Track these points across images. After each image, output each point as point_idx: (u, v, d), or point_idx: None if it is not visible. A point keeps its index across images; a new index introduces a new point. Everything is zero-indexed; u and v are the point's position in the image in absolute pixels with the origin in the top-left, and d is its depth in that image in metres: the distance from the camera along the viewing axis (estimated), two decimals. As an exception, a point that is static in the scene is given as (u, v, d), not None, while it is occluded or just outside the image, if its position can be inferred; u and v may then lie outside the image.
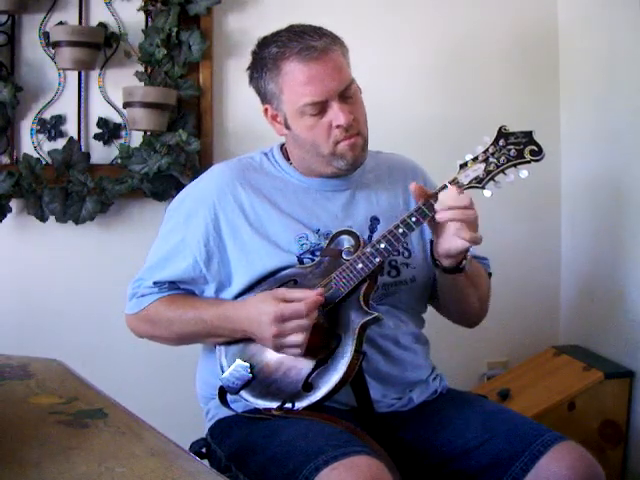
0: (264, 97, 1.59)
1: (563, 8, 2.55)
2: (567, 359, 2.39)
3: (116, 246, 2.25)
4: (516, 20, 2.53)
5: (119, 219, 2.25)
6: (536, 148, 1.43)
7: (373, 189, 1.64)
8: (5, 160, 2.15)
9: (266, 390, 1.47)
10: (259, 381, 1.48)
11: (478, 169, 1.44)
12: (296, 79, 1.50)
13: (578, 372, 2.29)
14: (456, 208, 1.40)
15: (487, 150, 1.44)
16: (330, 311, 1.45)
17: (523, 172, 1.43)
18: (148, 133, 2.20)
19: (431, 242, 1.51)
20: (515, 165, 1.43)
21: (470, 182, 1.44)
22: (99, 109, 2.22)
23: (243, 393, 1.49)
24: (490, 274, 1.69)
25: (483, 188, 1.44)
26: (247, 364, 1.49)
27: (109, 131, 2.23)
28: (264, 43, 1.56)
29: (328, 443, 1.30)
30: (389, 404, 1.55)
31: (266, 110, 1.60)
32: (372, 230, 1.59)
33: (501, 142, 1.44)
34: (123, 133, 2.24)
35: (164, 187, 2.20)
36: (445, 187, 1.44)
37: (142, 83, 2.19)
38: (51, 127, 2.18)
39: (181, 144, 2.17)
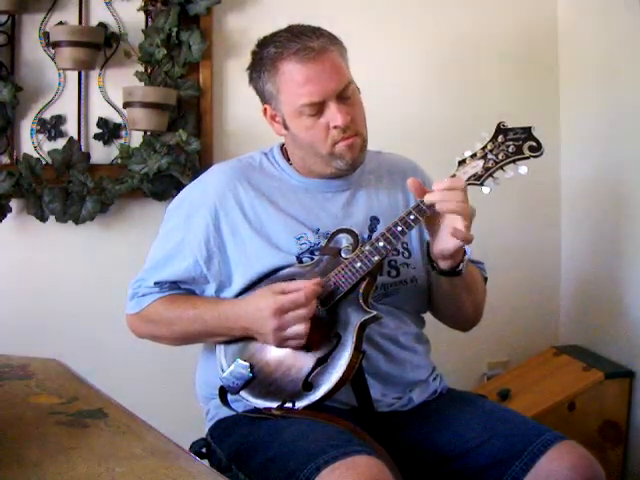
0: (263, 97, 1.59)
1: (563, 8, 2.55)
2: (567, 359, 2.39)
3: (116, 246, 2.25)
4: (516, 20, 2.53)
5: (119, 219, 2.25)
6: (535, 144, 1.42)
7: (373, 189, 1.64)
8: (5, 160, 2.15)
9: (266, 390, 1.47)
10: (259, 381, 1.48)
11: (476, 166, 1.43)
12: (293, 80, 1.50)
13: (578, 372, 2.29)
14: (455, 201, 1.39)
15: (485, 147, 1.44)
16: (329, 310, 1.45)
17: (522, 168, 1.43)
18: (148, 133, 2.19)
19: (428, 244, 1.50)
20: (514, 161, 1.42)
21: (468, 179, 1.43)
22: (99, 109, 2.22)
23: (243, 393, 1.49)
24: (486, 278, 1.69)
25: (482, 185, 1.43)
26: (247, 363, 1.49)
27: (109, 131, 2.23)
28: (263, 43, 1.56)
29: (329, 443, 1.30)
30: (389, 404, 1.55)
31: (265, 110, 1.60)
32: (372, 230, 1.59)
33: (500, 138, 1.43)
34: (123, 133, 2.24)
35: (164, 187, 2.20)
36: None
37: (142, 83, 2.19)
38: (51, 127, 2.18)
39: (181, 144, 2.17)
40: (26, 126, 2.17)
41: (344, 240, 1.50)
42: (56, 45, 2.10)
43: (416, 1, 2.45)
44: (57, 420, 1.13)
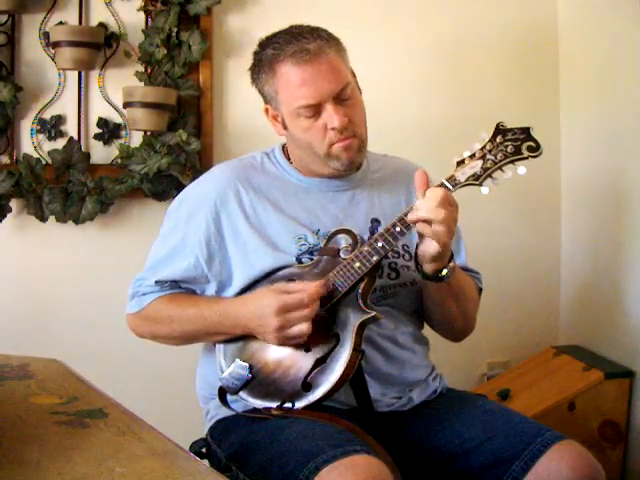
0: (264, 97, 1.60)
1: (563, 8, 2.55)
2: (567, 359, 2.39)
3: (116, 246, 2.25)
4: (516, 20, 2.53)
5: (119, 219, 2.25)
6: (534, 144, 1.41)
7: (375, 191, 1.64)
8: (5, 160, 2.15)
9: (265, 390, 1.47)
10: (258, 381, 1.48)
11: (475, 166, 1.43)
12: (290, 82, 1.50)
13: (578, 372, 2.29)
14: (427, 206, 1.38)
15: (484, 147, 1.43)
16: (328, 310, 1.45)
17: (521, 168, 1.42)
18: (148, 133, 2.20)
19: (416, 246, 1.50)
20: (513, 161, 1.42)
21: (467, 179, 1.43)
22: (99, 109, 2.22)
23: (242, 393, 1.49)
24: (481, 289, 1.68)
25: (480, 185, 1.42)
26: (246, 364, 1.49)
27: (109, 131, 2.23)
28: (263, 44, 1.57)
29: (328, 442, 1.30)
30: (389, 403, 1.55)
31: (267, 110, 1.61)
32: (372, 232, 1.58)
33: (498, 138, 1.43)
34: (123, 133, 2.24)
35: (164, 187, 2.20)
36: (441, 185, 1.43)
37: (142, 83, 2.19)
38: (51, 127, 2.18)
39: (181, 144, 2.17)
40: (26, 126, 2.17)
41: (343, 240, 1.50)
42: (56, 45, 2.10)
43: (415, 1, 2.45)
44: (57, 420, 1.13)
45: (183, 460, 1.02)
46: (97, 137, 2.22)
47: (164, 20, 2.18)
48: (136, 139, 2.23)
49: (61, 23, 2.16)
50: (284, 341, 1.43)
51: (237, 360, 1.50)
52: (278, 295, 1.42)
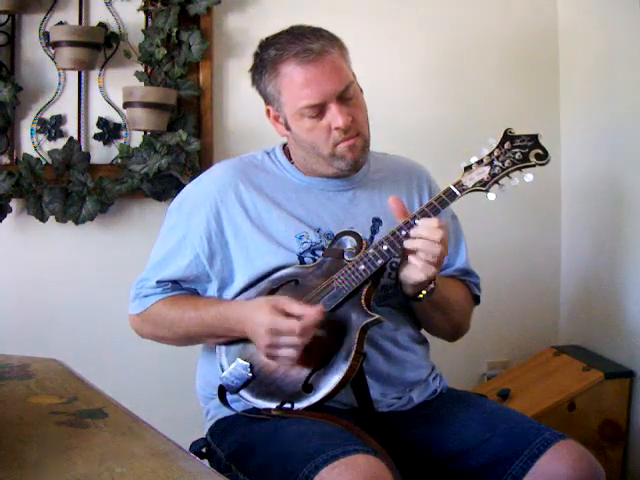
0: (265, 98, 1.59)
1: (563, 8, 2.55)
2: (567, 359, 2.39)
3: (116, 246, 2.25)
4: (516, 20, 2.53)
5: (119, 219, 2.25)
6: (541, 152, 1.42)
7: (376, 190, 1.64)
8: (5, 160, 2.15)
9: (266, 390, 1.47)
10: (259, 381, 1.48)
11: (483, 172, 1.43)
12: (293, 82, 1.50)
13: (578, 372, 2.29)
14: (428, 240, 1.39)
15: (492, 153, 1.43)
16: (331, 312, 1.45)
17: (528, 176, 1.43)
18: (148, 133, 2.20)
19: (399, 264, 1.49)
20: (520, 169, 1.42)
21: (474, 185, 1.43)
22: (99, 109, 2.23)
23: (243, 392, 1.49)
24: (477, 297, 1.68)
25: (487, 191, 1.43)
26: (247, 363, 1.49)
27: (109, 131, 2.23)
28: (264, 45, 1.56)
29: (328, 442, 1.30)
30: (389, 404, 1.55)
31: (268, 111, 1.60)
32: (374, 231, 1.59)
33: (506, 145, 1.43)
34: (123, 133, 2.24)
35: (164, 187, 2.20)
36: (448, 190, 1.43)
37: (142, 83, 2.19)
38: (51, 127, 2.18)
39: (181, 144, 2.17)
40: (26, 126, 2.18)
41: (348, 242, 1.50)
42: (56, 45, 2.10)
43: (416, 3, 2.45)
44: (57, 420, 1.13)
45: (183, 460, 1.02)
46: (97, 137, 2.22)
47: (164, 20, 2.18)
48: (136, 139, 2.23)
49: (61, 23, 2.16)
50: (272, 358, 1.44)
51: (238, 359, 1.50)
52: (273, 315, 1.41)
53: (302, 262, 1.53)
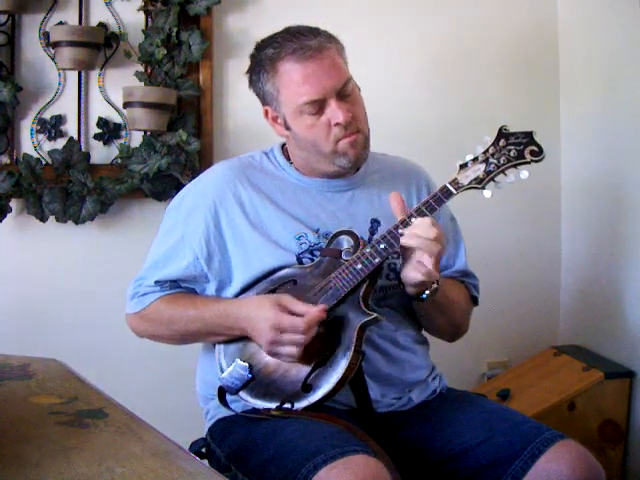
0: (264, 99, 1.59)
1: (563, 8, 2.55)
2: (567, 359, 2.39)
3: (116, 246, 2.25)
4: (516, 20, 2.53)
5: (119, 219, 2.25)
6: (536, 148, 1.42)
7: (375, 191, 1.64)
8: (5, 160, 2.15)
9: (265, 390, 1.47)
10: (258, 381, 1.48)
11: (478, 170, 1.44)
12: (293, 79, 1.50)
13: (578, 372, 2.29)
14: (423, 238, 1.39)
15: (487, 150, 1.44)
16: (329, 311, 1.45)
17: (524, 173, 1.43)
18: (148, 133, 2.20)
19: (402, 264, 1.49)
20: (515, 165, 1.43)
21: (470, 183, 1.44)
22: (99, 109, 2.22)
23: (242, 393, 1.49)
24: (476, 298, 1.68)
25: (483, 189, 1.44)
26: (246, 364, 1.49)
27: (109, 131, 2.23)
28: (261, 45, 1.56)
29: (327, 442, 1.30)
30: (389, 404, 1.55)
31: (266, 112, 1.60)
32: (372, 232, 1.58)
33: (501, 142, 1.43)
34: (123, 133, 2.24)
35: (164, 187, 2.20)
36: (444, 188, 1.44)
37: (142, 83, 2.19)
38: (51, 127, 2.18)
39: (181, 144, 2.17)
40: (26, 126, 2.17)
41: (345, 242, 1.50)
42: (56, 45, 2.10)
43: (416, 3, 2.45)
44: (57, 420, 1.13)
45: (183, 460, 1.02)
46: (97, 137, 2.22)
47: (164, 20, 2.18)
48: (136, 139, 2.23)
49: (61, 23, 2.16)
50: (274, 355, 1.44)
51: (237, 360, 1.50)
52: (278, 311, 1.42)
53: (300, 263, 1.53)
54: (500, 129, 1.44)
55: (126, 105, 2.17)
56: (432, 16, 2.46)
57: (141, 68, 2.21)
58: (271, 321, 1.41)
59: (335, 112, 1.50)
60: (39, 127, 2.18)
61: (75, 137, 2.19)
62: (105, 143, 2.23)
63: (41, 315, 2.20)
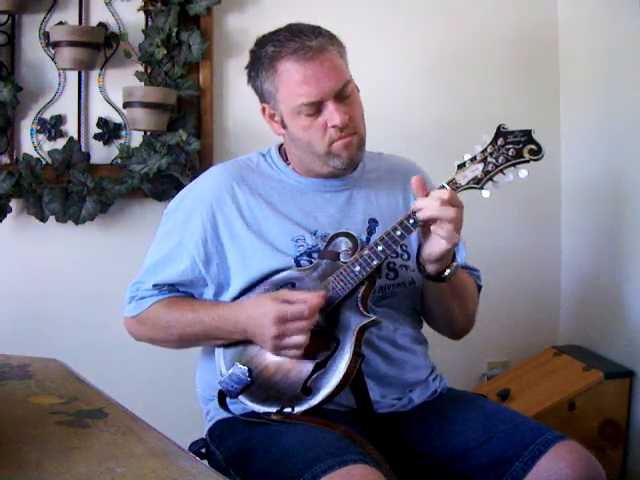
0: (261, 96, 1.58)
1: (563, 8, 2.55)
2: (567, 359, 2.39)
3: (116, 246, 2.25)
4: (516, 20, 2.53)
5: (119, 219, 2.25)
6: (535, 147, 1.40)
7: (372, 190, 1.63)
8: (5, 160, 2.15)
9: (265, 394, 1.46)
10: (258, 385, 1.47)
11: (476, 169, 1.42)
12: (292, 79, 1.50)
13: (578, 372, 2.29)
14: (437, 205, 1.37)
15: (485, 150, 1.42)
16: (328, 314, 1.44)
17: (522, 172, 1.41)
18: (148, 133, 2.20)
19: (419, 247, 1.49)
20: (514, 165, 1.41)
21: (468, 183, 1.42)
22: (99, 109, 2.22)
23: (242, 397, 1.47)
24: (480, 287, 1.68)
25: (481, 189, 1.42)
26: (245, 368, 1.48)
27: (109, 131, 2.23)
28: (261, 42, 1.55)
29: (326, 451, 1.29)
30: (389, 405, 1.54)
31: (263, 109, 1.60)
32: (370, 232, 1.58)
33: (500, 141, 1.42)
34: (123, 133, 2.24)
35: (164, 187, 2.20)
36: (442, 188, 1.43)
37: (142, 83, 2.19)
38: (51, 127, 2.18)
39: (181, 144, 2.17)
40: (26, 126, 2.17)
41: (343, 244, 1.49)
42: (56, 45, 2.10)
43: (416, 2, 2.45)
44: (57, 420, 1.13)
45: (183, 460, 1.02)
46: (97, 137, 2.22)
47: (164, 20, 2.18)
48: (136, 139, 2.23)
49: (61, 23, 2.16)
50: (280, 350, 1.43)
51: (236, 364, 1.49)
52: (278, 304, 1.41)
53: (298, 265, 1.52)
54: (498, 128, 1.42)
55: (126, 105, 2.17)
56: (432, 16, 2.46)
57: (141, 68, 2.21)
58: (273, 314, 1.40)
59: (332, 114, 1.49)
60: (39, 127, 2.18)
61: (75, 137, 2.19)
62: (105, 143, 2.23)
63: (41, 315, 2.21)
